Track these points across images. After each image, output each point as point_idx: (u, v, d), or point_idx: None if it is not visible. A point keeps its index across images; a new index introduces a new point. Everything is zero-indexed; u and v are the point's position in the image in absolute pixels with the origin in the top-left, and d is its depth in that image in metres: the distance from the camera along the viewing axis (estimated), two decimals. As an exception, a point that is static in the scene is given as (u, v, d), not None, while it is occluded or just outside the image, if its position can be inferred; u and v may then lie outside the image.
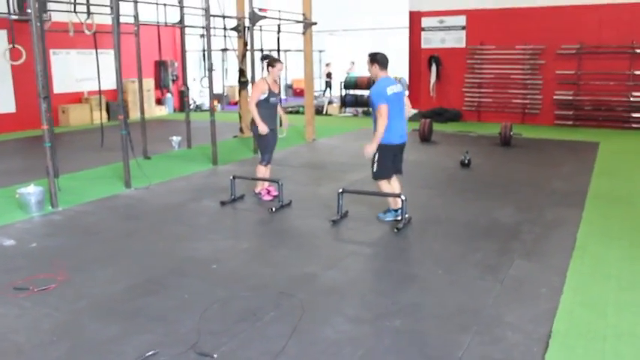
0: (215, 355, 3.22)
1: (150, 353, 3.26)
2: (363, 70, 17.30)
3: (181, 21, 10.48)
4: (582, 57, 12.53)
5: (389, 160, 5.58)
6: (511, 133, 10.30)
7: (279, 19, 10.81)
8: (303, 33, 11.02)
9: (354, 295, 4.04)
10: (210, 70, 8.87)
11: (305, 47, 11.08)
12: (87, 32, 7.83)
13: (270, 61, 6.55)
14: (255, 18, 9.63)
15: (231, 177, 6.70)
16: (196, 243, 5.29)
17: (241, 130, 12.21)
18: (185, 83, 11.26)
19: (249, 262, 4.76)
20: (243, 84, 11.94)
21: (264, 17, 9.79)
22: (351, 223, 5.79)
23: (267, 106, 6.51)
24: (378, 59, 5.49)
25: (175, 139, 10.87)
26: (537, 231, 5.42)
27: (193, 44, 17.11)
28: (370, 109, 5.56)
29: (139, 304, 3.98)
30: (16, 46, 7.16)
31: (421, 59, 14.60)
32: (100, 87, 8.48)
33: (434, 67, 14.35)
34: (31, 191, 6.49)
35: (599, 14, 12.23)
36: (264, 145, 6.64)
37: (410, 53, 15.01)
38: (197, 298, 4.02)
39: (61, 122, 15.11)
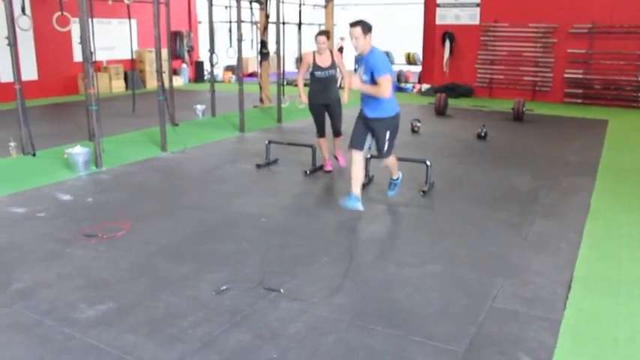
0: (282, 290, 3.70)
1: (224, 287, 3.74)
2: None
3: (208, -8, 10.80)
4: (594, 36, 12.86)
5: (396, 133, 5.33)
6: (524, 109, 10.71)
7: (304, -8, 11.14)
8: (325, 6, 11.35)
9: (395, 245, 4.53)
10: (240, 40, 9.24)
11: (326, 20, 11.43)
12: (126, 1, 8.20)
13: (316, 35, 6.58)
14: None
15: (267, 142, 7.14)
16: (241, 199, 5.76)
17: (261, 100, 12.61)
18: (212, 53, 11.49)
19: (294, 217, 5.24)
20: (264, 55, 12.32)
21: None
22: (379, 186, 6.25)
23: (314, 80, 6.54)
24: (371, 29, 5.02)
25: (200, 107, 11.27)
26: (554, 196, 5.89)
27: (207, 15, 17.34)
28: (363, 75, 4.96)
29: (203, 249, 4.46)
30: (64, 13, 7.53)
31: (435, 35, 14.91)
32: (132, 54, 8.81)
33: (447, 43, 14.66)
34: (79, 152, 6.94)
35: (612, -6, 12.53)
36: (314, 119, 6.73)
37: (424, 29, 15.32)
38: (254, 245, 4.50)
39: (80, 90, 15.41)
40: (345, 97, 6.38)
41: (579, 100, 13.13)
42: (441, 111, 11.35)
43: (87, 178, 6.69)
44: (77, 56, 15.35)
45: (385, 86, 4.83)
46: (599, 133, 9.51)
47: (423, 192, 5.90)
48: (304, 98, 6.67)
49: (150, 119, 10.14)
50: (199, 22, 19.35)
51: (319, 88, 6.56)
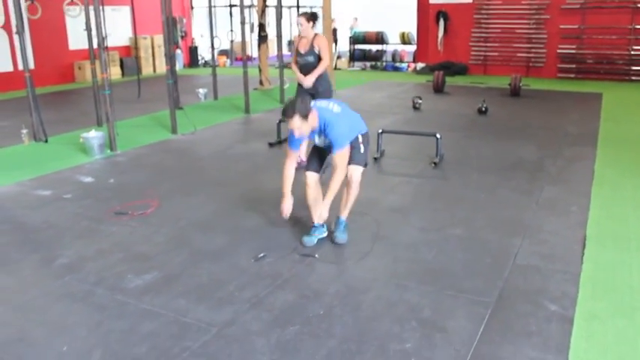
0: (316, 255, 3.93)
1: (261, 255, 3.97)
2: (365, 26, 17.77)
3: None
4: (586, 12, 13.09)
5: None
6: (520, 85, 10.95)
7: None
8: (323, -12, 11.47)
9: (416, 212, 4.77)
10: (243, 23, 9.37)
11: (324, 3, 11.55)
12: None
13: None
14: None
15: (278, 121, 7.33)
16: (260, 176, 5.97)
17: (261, 82, 12.75)
18: (214, 37, 11.59)
19: (314, 191, 5.45)
20: (262, 38, 12.44)
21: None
22: (390, 159, 6.48)
23: (298, 66, 6.07)
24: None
25: (202, 91, 11.40)
26: (559, 164, 6.15)
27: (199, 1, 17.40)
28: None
29: (232, 222, 4.67)
30: (74, 0, 7.62)
31: (429, 14, 15.07)
32: (135, 40, 8.90)
33: (442, 22, 14.84)
34: (94, 135, 7.10)
35: (604, -31, 12.74)
36: None
37: (418, 8, 15.47)
38: (281, 217, 4.70)
39: (77, 78, 15.47)
40: (308, 77, 5.89)
41: (573, 75, 13.39)
42: (439, 88, 11.57)
43: (103, 161, 6.86)
44: (73, 44, 15.41)
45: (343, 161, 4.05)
46: (595, 106, 9.78)
47: (435, 164, 6.13)
48: (303, 79, 6.03)
49: (153, 104, 10.30)
50: (192, 8, 19.37)
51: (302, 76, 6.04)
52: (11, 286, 3.68)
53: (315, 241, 4.14)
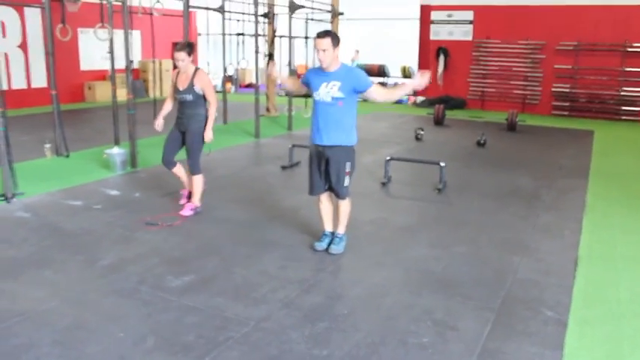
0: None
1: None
2: (367, 59, 18.43)
3: (222, 7, 11.46)
4: (579, 53, 13.79)
5: None
6: (517, 120, 11.53)
7: (312, 8, 11.86)
8: (331, 22, 12.10)
9: (423, 232, 5.23)
10: (257, 52, 9.92)
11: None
12: (155, 14, 8.85)
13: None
14: (293, 7, 10.67)
15: (291, 145, 7.80)
16: (276, 196, 6.42)
17: (268, 109, 13.29)
18: (225, 66, 12.11)
19: (329, 210, 5.90)
20: (271, 67, 13.00)
21: (302, 7, 10.83)
22: (397, 185, 6.96)
23: (178, 102, 5.56)
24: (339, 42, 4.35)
25: (212, 115, 11.88)
26: (553, 194, 6.65)
27: (210, 28, 17.98)
28: (341, 94, 4.29)
29: (256, 235, 5.10)
30: (105, 24, 8.13)
31: (430, 50, 15.75)
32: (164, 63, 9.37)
33: (442, 58, 15.51)
34: (117, 152, 7.54)
35: (596, 14, 13.48)
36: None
37: (419, 44, 16.15)
38: (300, 232, 5.14)
39: (87, 98, 15.95)
40: (207, 132, 5.52)
41: (566, 113, 14.03)
42: (439, 121, 12.13)
43: (126, 176, 7.28)
44: (84, 65, 15.97)
45: (384, 91, 4.52)
46: (587, 142, 10.34)
47: (439, 190, 6.61)
48: (158, 123, 5.77)
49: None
50: (199, 35, 19.99)
51: (178, 114, 5.57)
52: (61, 283, 4.08)
53: (325, 246, 4.65)
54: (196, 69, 5.44)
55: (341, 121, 4.38)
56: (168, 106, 5.76)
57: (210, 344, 3.24)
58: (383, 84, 17.28)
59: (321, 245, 4.67)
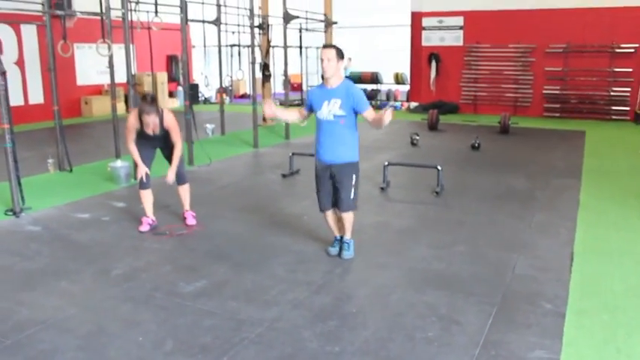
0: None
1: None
2: (360, 66, 18.65)
3: (218, 19, 11.66)
4: (568, 55, 14.07)
5: None
6: (509, 123, 11.76)
7: (306, 18, 12.08)
8: (325, 31, 12.32)
9: (424, 233, 5.41)
10: (254, 63, 10.12)
11: (326, 40, 12.38)
12: (154, 29, 9.04)
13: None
14: (288, 17, 10.89)
15: (291, 153, 7.98)
16: (278, 203, 6.58)
17: (264, 119, 13.46)
18: (221, 77, 12.31)
19: (331, 215, 6.08)
20: (266, 77, 13.21)
21: (297, 17, 11.05)
22: (396, 189, 7.14)
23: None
24: (343, 57, 4.51)
25: (209, 126, 12.06)
26: (548, 194, 6.85)
27: (199, 40, 18.16)
28: (342, 112, 4.43)
29: (263, 241, 5.27)
30: (105, 40, 8.30)
31: (422, 56, 16.00)
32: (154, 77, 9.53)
33: (434, 64, 15.76)
34: (121, 165, 7.70)
35: (584, 17, 13.77)
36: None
37: (411, 50, 16.40)
38: (306, 238, 5.31)
39: (84, 113, 16.11)
40: (169, 174, 5.58)
41: (557, 114, 14.30)
42: (433, 126, 12.34)
43: (131, 188, 7.42)
44: (80, 80, 16.15)
45: (374, 117, 4.48)
46: (579, 143, 10.57)
47: (436, 193, 6.80)
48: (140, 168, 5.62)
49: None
50: (194, 47, 20.20)
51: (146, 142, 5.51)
52: (78, 292, 4.23)
53: (338, 250, 4.81)
54: (162, 110, 5.33)
55: (344, 139, 4.54)
56: (134, 148, 5.50)
57: (226, 345, 3.40)
58: (373, 105, 17.55)
59: (335, 250, 4.85)
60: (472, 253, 4.86)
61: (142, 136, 5.45)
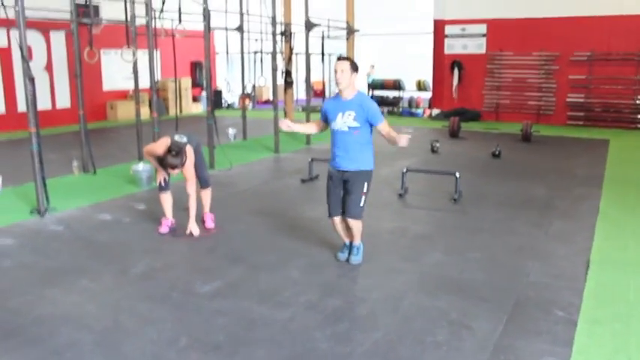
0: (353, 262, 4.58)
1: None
2: (382, 73, 18.69)
3: (241, 27, 11.83)
4: (593, 63, 13.93)
5: None
6: (531, 131, 11.68)
7: (328, 26, 12.18)
8: (347, 39, 12.40)
9: (439, 239, 5.42)
10: (275, 69, 10.23)
11: (347, 52, 12.46)
12: (177, 36, 9.20)
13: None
14: (310, 25, 10.99)
15: (310, 159, 8.05)
16: (297, 208, 6.65)
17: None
18: (244, 83, 12.44)
19: (348, 220, 6.12)
20: (289, 84, 13.34)
21: (318, 25, 11.15)
22: (414, 195, 7.16)
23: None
24: (358, 70, 4.56)
25: (231, 131, 12.21)
26: (567, 202, 6.80)
27: (223, 46, 18.37)
28: (356, 124, 4.48)
29: (279, 244, 5.34)
30: (130, 46, 8.48)
31: (444, 64, 15.98)
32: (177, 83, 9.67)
33: (456, 71, 15.73)
34: (143, 168, 7.84)
35: (609, 24, 13.63)
36: None
37: (434, 58, 16.40)
38: (322, 242, 5.37)
39: (109, 117, 16.41)
40: (191, 225, 5.58)
41: (581, 122, 14.14)
42: (454, 133, 12.31)
43: (152, 191, 7.55)
44: (106, 85, 16.47)
45: (387, 131, 4.58)
46: (602, 151, 10.45)
47: (454, 199, 6.80)
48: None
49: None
50: (217, 53, 20.45)
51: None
52: (97, 290, 4.34)
53: (347, 255, 4.83)
54: (185, 159, 5.39)
55: (358, 149, 4.58)
56: (152, 158, 5.62)
57: (239, 343, 3.46)
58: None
59: (344, 255, 4.88)
60: (487, 260, 4.86)
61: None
